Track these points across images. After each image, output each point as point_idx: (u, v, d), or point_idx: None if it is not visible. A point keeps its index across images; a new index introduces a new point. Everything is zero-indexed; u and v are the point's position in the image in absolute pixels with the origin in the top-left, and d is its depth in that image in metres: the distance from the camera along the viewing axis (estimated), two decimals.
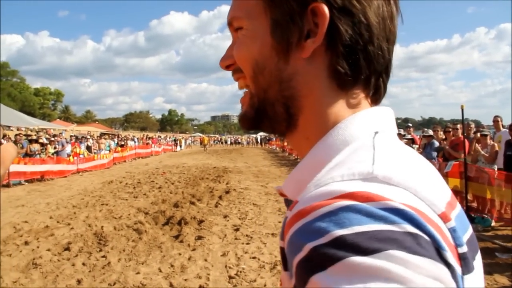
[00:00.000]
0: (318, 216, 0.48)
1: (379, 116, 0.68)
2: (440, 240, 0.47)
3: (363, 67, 0.66)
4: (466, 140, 9.23)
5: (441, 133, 12.27)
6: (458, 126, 10.39)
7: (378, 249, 0.43)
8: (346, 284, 0.42)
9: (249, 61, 0.71)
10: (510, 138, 8.78)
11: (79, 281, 5.45)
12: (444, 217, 0.52)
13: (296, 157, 29.04)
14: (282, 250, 0.57)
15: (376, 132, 0.64)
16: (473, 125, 11.49)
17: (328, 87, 0.67)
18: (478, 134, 10.26)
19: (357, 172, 0.54)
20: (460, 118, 8.28)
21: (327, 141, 0.65)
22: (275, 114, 0.71)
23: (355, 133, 0.64)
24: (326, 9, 0.63)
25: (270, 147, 55.02)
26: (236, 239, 7.43)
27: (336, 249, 0.44)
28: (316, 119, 0.68)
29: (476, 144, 9.10)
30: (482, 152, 9.33)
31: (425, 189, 0.53)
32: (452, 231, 0.51)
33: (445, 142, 11.03)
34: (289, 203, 0.69)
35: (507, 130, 9.23)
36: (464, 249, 0.51)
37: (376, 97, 0.72)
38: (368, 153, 0.58)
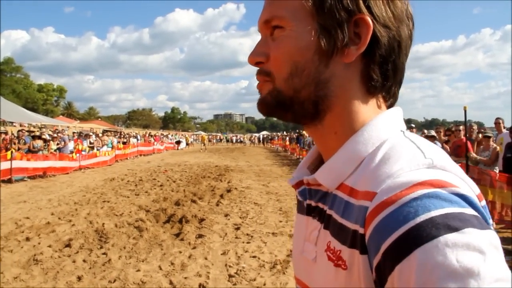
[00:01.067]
0: (405, 202, 0.56)
1: (397, 116, 0.78)
2: (486, 217, 0.59)
3: (390, 76, 0.75)
4: (468, 141, 9.23)
5: (444, 134, 12.25)
6: (461, 127, 10.38)
7: (460, 227, 0.52)
8: (442, 256, 0.50)
9: (288, 62, 0.74)
10: (511, 140, 8.77)
11: (79, 278, 5.46)
12: (480, 197, 0.64)
13: (298, 156, 29.04)
14: (354, 232, 0.64)
15: (402, 131, 0.74)
16: (475, 127, 11.47)
17: (359, 90, 0.75)
18: (480, 136, 10.25)
19: (420, 163, 0.63)
20: (463, 119, 8.25)
21: (361, 137, 0.73)
22: (302, 110, 0.76)
23: (385, 132, 0.73)
24: (370, 21, 0.70)
25: (272, 146, 55.01)
26: (236, 238, 7.44)
27: (431, 228, 0.52)
28: (346, 117, 0.75)
29: (472, 152, 9.07)
30: (478, 158, 9.30)
31: (464, 175, 0.65)
32: (484, 208, 0.62)
33: (446, 144, 11.01)
34: (311, 193, 0.80)
35: (508, 132, 9.21)
36: (491, 222, 0.63)
37: (391, 103, 0.80)
38: (412, 146, 0.67)
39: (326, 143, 0.79)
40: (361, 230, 0.62)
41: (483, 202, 0.63)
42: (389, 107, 0.79)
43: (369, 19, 0.70)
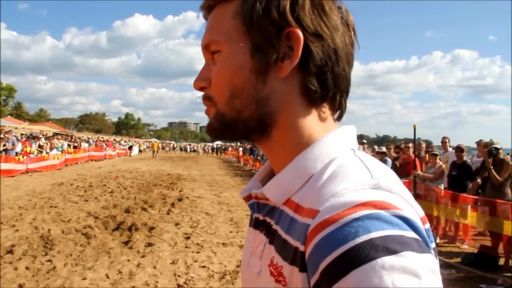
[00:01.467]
0: (346, 222, 0.56)
1: (350, 135, 0.78)
2: (427, 240, 0.59)
3: (330, 86, 0.74)
4: (417, 159, 9.55)
5: (394, 151, 12.61)
6: (410, 145, 10.71)
7: (398, 250, 0.52)
8: (378, 279, 0.50)
9: (227, 85, 0.75)
10: (456, 159, 9.15)
11: (20, 286, 5.29)
12: (424, 220, 0.65)
13: (251, 168, 29.15)
14: (296, 249, 0.64)
15: (353, 149, 0.74)
16: (424, 145, 11.87)
17: (300, 103, 0.75)
18: (426, 155, 10.64)
19: (366, 183, 0.63)
20: (413, 137, 8.56)
21: (311, 153, 0.73)
22: (248, 128, 0.77)
23: (335, 149, 0.73)
24: (300, 33, 0.71)
25: (226, 156, 54.94)
26: (186, 247, 7.40)
27: (369, 250, 0.52)
28: (291, 131, 0.76)
29: (418, 170, 9.38)
30: (421, 174, 9.63)
31: (410, 197, 0.65)
32: (428, 231, 0.63)
33: (396, 161, 11.34)
34: (259, 207, 0.81)
35: (453, 151, 9.61)
36: (433, 245, 0.64)
37: (339, 113, 0.81)
38: (361, 166, 0.68)
39: (275, 157, 0.80)
40: (301, 248, 0.62)
41: (427, 225, 0.65)
42: (338, 118, 0.81)
43: (299, 31, 0.71)
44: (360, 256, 0.52)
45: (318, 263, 0.56)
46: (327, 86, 0.74)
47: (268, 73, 0.73)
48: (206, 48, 0.79)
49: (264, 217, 0.79)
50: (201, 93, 0.82)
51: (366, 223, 0.55)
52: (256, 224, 0.82)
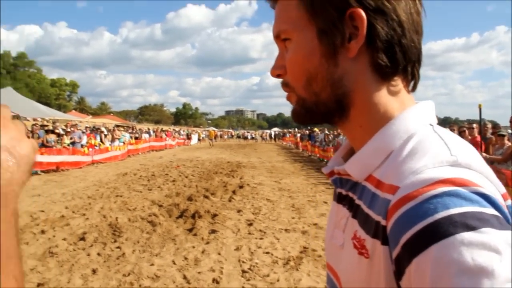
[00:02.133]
0: (425, 199, 0.58)
1: (428, 110, 0.78)
2: (508, 217, 0.58)
3: (399, 58, 0.74)
4: (482, 141, 9.15)
5: (457, 133, 12.16)
6: (474, 125, 10.29)
7: (477, 226, 0.53)
8: (457, 253, 0.51)
9: (301, 71, 0.78)
10: None
11: (94, 271, 5.51)
12: (505, 196, 0.64)
13: (310, 153, 28.98)
14: (377, 223, 0.66)
15: (431, 125, 0.75)
16: (490, 125, 11.36)
17: (372, 80, 0.76)
18: (493, 137, 10.15)
19: (445, 160, 0.63)
20: (476, 118, 8.23)
21: (389, 130, 0.74)
22: (329, 110, 0.79)
23: (414, 125, 0.74)
24: (362, 12, 0.71)
25: (284, 143, 54.96)
26: (249, 233, 7.46)
27: (448, 225, 0.54)
28: (367, 109, 0.77)
29: (482, 153, 8.97)
30: (488, 156, 9.20)
31: (490, 173, 0.65)
32: (509, 207, 0.63)
33: None
34: (342, 182, 0.83)
35: None
36: None
37: (413, 84, 0.81)
38: (440, 142, 0.68)
39: (354, 136, 0.81)
40: (383, 222, 0.64)
41: (509, 202, 0.64)
42: (412, 88, 0.81)
43: (360, 10, 0.72)
44: (439, 231, 0.54)
45: (399, 237, 0.58)
46: (397, 59, 0.74)
47: (338, 55, 0.75)
48: (277, 37, 0.82)
49: (347, 192, 0.82)
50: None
51: (445, 199, 0.56)
52: (339, 198, 0.86)
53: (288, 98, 0.85)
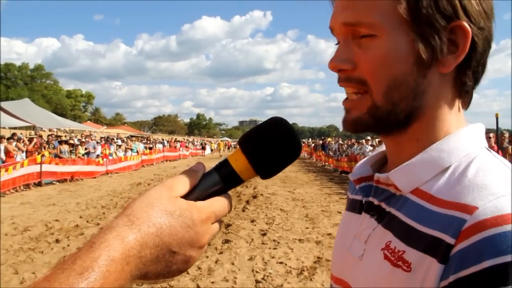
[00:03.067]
0: (504, 231, 0.54)
1: (481, 133, 0.74)
2: None
3: (479, 79, 0.72)
4: (499, 150, 9.04)
5: None
6: (491, 134, 10.17)
7: None
8: None
9: (386, 74, 0.69)
10: None
11: None
12: None
13: (323, 163, 28.88)
14: (436, 240, 0.61)
15: (488, 149, 0.70)
16: (507, 135, 11.23)
17: (450, 96, 0.72)
18: (509, 147, 10.03)
19: None
20: (493, 127, 8.12)
21: (446, 145, 0.69)
22: (395, 122, 0.72)
23: (472, 146, 0.70)
24: (468, 27, 0.66)
25: None
26: (263, 243, 7.42)
27: None
28: (432, 124, 0.72)
29: None
30: None
31: None
32: None
33: None
34: (377, 191, 0.77)
35: None
36: None
37: (469, 102, 0.76)
38: (506, 170, 0.65)
39: (403, 149, 0.75)
40: (449, 240, 0.59)
41: None
42: (467, 106, 0.77)
43: (467, 25, 0.66)
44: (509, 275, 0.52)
45: (474, 262, 0.55)
46: (477, 79, 0.71)
47: (431, 67, 0.69)
48: (347, 25, 0.71)
49: (380, 202, 0.76)
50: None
51: None
52: (368, 208, 0.79)
53: (354, 105, 0.74)
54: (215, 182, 0.71)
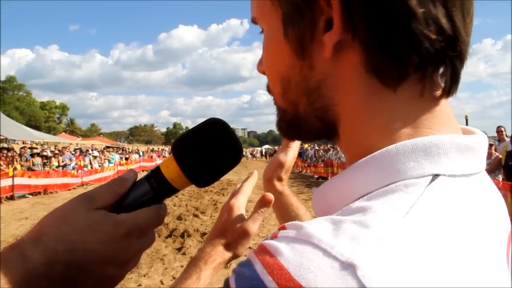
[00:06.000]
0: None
1: (454, 146, 0.49)
2: None
3: (406, 52, 0.48)
4: None
5: None
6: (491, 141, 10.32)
7: None
8: None
9: (275, 74, 0.60)
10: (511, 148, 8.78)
11: None
12: None
13: (300, 170, 28.98)
14: None
15: (435, 176, 0.47)
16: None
17: (369, 87, 0.52)
18: None
19: (347, 247, 0.39)
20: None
21: (366, 166, 0.50)
22: (311, 127, 0.59)
23: (410, 168, 0.47)
24: None
25: None
26: None
27: None
28: (355, 130, 0.54)
29: None
30: None
31: None
32: None
33: None
34: None
35: (510, 140, 9.21)
36: None
37: (443, 91, 0.52)
38: (392, 215, 0.43)
39: (346, 162, 0.59)
40: None
41: None
42: (441, 95, 0.53)
43: None
44: None
45: None
46: (402, 54, 0.48)
47: (312, 53, 0.53)
48: (254, 23, 0.64)
49: None
50: None
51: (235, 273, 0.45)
52: None
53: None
54: (145, 191, 0.67)
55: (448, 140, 0.49)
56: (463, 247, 0.42)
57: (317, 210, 0.59)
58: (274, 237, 0.45)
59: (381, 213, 0.42)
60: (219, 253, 0.88)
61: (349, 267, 0.37)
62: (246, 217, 0.94)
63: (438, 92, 0.52)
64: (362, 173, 0.50)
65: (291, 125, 0.62)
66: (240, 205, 0.96)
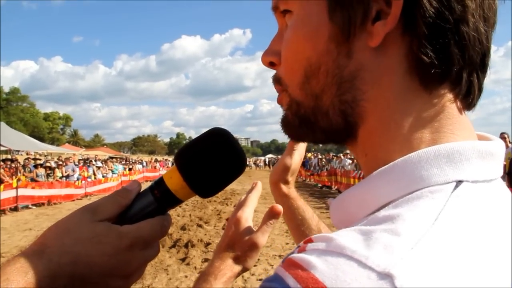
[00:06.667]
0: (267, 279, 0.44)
1: (473, 152, 0.48)
2: None
3: (454, 55, 0.48)
4: None
5: None
6: (505, 135, 10.27)
7: None
8: None
9: (299, 60, 0.55)
10: None
11: None
12: None
13: (304, 179, 28.94)
14: None
15: (459, 182, 0.46)
16: None
17: (406, 85, 0.50)
18: None
19: (387, 259, 0.38)
20: None
21: (391, 174, 0.48)
22: (330, 124, 0.55)
23: (434, 175, 0.46)
24: None
25: None
26: None
27: None
28: (382, 131, 0.52)
29: None
30: None
31: None
32: None
33: None
34: None
35: None
36: None
37: (467, 100, 0.53)
38: (424, 223, 0.42)
39: (361, 166, 0.58)
40: None
41: None
42: (467, 105, 0.53)
43: None
44: None
45: None
46: (451, 55, 0.48)
47: (354, 41, 0.51)
48: (275, 9, 0.59)
49: None
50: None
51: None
52: None
53: (279, 101, 0.62)
54: (149, 202, 0.67)
55: (469, 146, 0.48)
56: (493, 253, 0.41)
57: (337, 220, 0.56)
58: (302, 250, 0.43)
59: (410, 220, 0.42)
60: (229, 267, 0.88)
61: (386, 277, 0.37)
62: (254, 230, 0.93)
63: (467, 100, 0.52)
64: (384, 181, 0.48)
65: (304, 120, 0.57)
66: (248, 217, 0.96)
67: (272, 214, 0.93)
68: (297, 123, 0.58)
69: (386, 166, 0.49)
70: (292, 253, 0.44)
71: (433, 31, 0.47)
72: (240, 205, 0.99)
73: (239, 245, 0.91)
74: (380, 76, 0.51)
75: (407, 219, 0.42)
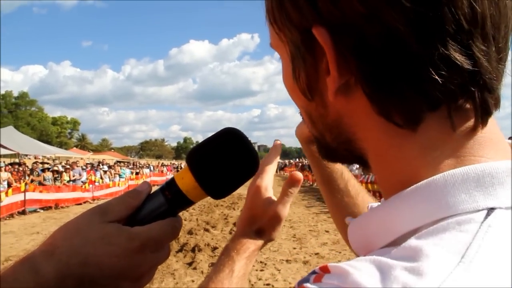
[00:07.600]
0: None
1: (510, 172, 0.43)
2: None
3: (411, 97, 0.44)
4: None
5: None
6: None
7: None
8: None
9: (299, 108, 0.58)
10: None
11: None
12: None
13: (311, 183, 28.87)
14: None
15: (491, 210, 0.41)
16: None
17: (385, 127, 0.47)
18: None
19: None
20: None
21: (409, 200, 0.45)
22: (344, 157, 0.58)
23: (459, 201, 0.42)
24: (323, 31, 0.45)
25: (285, 174, 54.89)
26: None
27: None
28: (386, 162, 0.50)
29: None
30: None
31: None
32: None
33: None
34: None
35: None
36: None
37: (478, 121, 0.46)
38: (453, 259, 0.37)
39: (381, 189, 0.56)
40: None
41: None
42: (482, 122, 0.46)
43: (320, 29, 0.45)
44: None
45: None
46: (407, 97, 0.44)
47: (321, 93, 0.51)
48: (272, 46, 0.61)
49: None
50: None
51: None
52: None
53: None
54: (160, 203, 0.66)
55: (503, 167, 0.43)
56: None
57: (356, 244, 0.53)
58: (317, 280, 0.40)
59: (435, 258, 0.37)
60: (252, 241, 0.85)
61: None
62: (274, 199, 0.89)
63: (471, 123, 0.46)
64: (406, 205, 0.45)
65: (328, 151, 0.59)
66: (267, 185, 0.89)
67: (292, 182, 0.88)
68: (324, 153, 0.60)
69: (408, 189, 0.45)
70: (307, 280, 0.41)
71: (376, 79, 0.44)
72: (258, 173, 0.89)
73: (261, 217, 0.87)
74: (358, 120, 0.50)
75: (430, 255, 0.37)
